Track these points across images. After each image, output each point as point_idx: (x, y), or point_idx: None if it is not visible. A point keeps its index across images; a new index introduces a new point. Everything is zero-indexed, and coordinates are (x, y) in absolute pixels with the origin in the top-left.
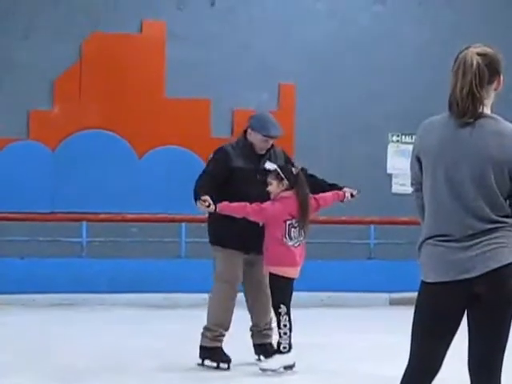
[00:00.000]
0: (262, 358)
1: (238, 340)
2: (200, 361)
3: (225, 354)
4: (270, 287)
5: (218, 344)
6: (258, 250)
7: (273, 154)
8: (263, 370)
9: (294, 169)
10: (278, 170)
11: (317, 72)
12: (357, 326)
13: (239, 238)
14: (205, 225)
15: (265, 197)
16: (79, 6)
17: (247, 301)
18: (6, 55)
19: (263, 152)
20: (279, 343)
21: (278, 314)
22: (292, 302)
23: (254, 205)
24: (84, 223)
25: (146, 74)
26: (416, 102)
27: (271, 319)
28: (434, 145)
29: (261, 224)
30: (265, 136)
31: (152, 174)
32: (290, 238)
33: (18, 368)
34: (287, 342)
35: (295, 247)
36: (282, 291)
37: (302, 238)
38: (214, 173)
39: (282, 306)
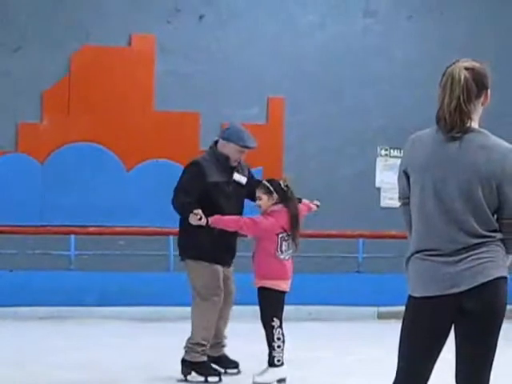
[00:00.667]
0: (227, 370)
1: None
2: (183, 376)
3: (213, 367)
4: (262, 301)
5: (205, 358)
6: (230, 264)
7: (240, 166)
8: (255, 383)
9: (281, 182)
10: (267, 184)
11: (306, 85)
12: (345, 339)
13: (220, 251)
14: None
15: (238, 210)
16: (69, 19)
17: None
18: None
19: (236, 164)
20: (273, 356)
21: (271, 328)
22: None
23: (246, 218)
24: (72, 236)
25: (135, 87)
26: (405, 115)
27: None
28: (421, 159)
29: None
30: (242, 147)
31: (141, 187)
32: (282, 252)
33: (6, 381)
34: (281, 355)
35: (286, 260)
36: (274, 305)
37: (291, 251)
38: (191, 188)
39: (274, 319)
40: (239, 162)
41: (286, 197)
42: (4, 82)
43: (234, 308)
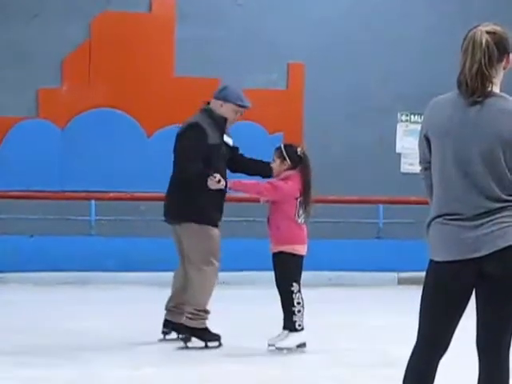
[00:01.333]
0: (174, 334)
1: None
2: (183, 343)
3: (213, 333)
4: (280, 267)
5: (207, 325)
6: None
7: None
8: (279, 348)
9: (299, 149)
10: (282, 148)
11: (326, 51)
12: (365, 305)
13: (219, 214)
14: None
15: (226, 172)
16: None
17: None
18: (16, 34)
19: (232, 124)
20: (294, 321)
21: (290, 293)
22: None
23: (266, 183)
24: (93, 202)
25: (155, 53)
26: (425, 81)
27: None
28: (442, 124)
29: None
30: (240, 106)
31: (161, 153)
32: (299, 216)
33: (27, 348)
34: (301, 319)
35: (303, 224)
36: (293, 270)
37: (305, 216)
38: (196, 152)
39: (294, 284)
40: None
41: (299, 164)
42: (25, 49)
43: (244, 274)
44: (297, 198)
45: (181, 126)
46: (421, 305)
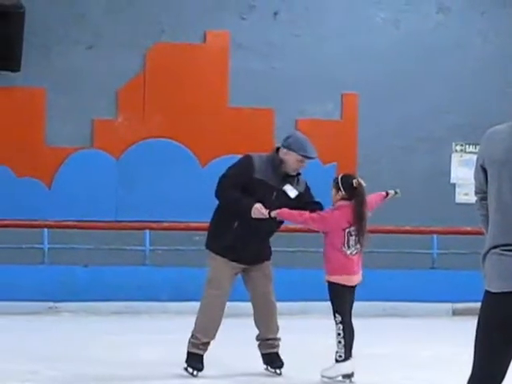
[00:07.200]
0: (269, 368)
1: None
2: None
3: (201, 362)
4: (330, 296)
5: (197, 351)
6: (255, 262)
7: (296, 181)
8: (322, 376)
9: (354, 181)
10: (338, 178)
11: (380, 82)
12: (419, 336)
13: (233, 248)
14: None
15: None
16: (143, 16)
17: (254, 312)
18: (72, 65)
19: (295, 173)
20: (336, 352)
21: (335, 323)
22: (354, 311)
23: (313, 213)
24: (147, 231)
25: (209, 84)
26: (480, 111)
27: (278, 329)
28: (498, 154)
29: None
30: (303, 156)
31: (215, 183)
32: (349, 247)
33: (79, 378)
34: (342, 350)
35: (353, 255)
36: (339, 300)
37: (358, 246)
38: (236, 180)
39: (337, 314)
40: (298, 178)
41: (353, 194)
42: (79, 79)
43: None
44: (344, 229)
45: None
46: (476, 336)
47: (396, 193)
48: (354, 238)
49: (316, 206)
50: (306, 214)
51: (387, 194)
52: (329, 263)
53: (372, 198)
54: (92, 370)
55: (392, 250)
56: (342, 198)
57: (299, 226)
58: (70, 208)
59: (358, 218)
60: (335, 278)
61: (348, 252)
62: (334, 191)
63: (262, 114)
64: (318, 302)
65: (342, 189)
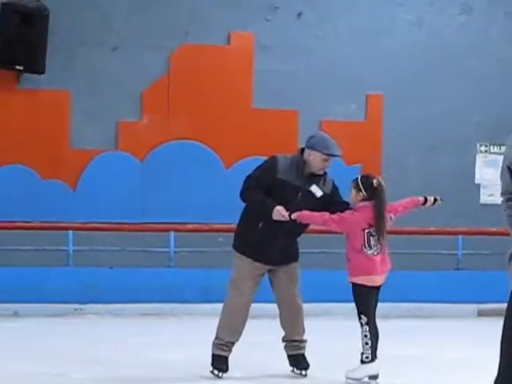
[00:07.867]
0: (295, 369)
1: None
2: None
3: (225, 363)
4: (354, 298)
5: (221, 352)
6: (281, 263)
7: (323, 181)
8: (347, 378)
9: (374, 181)
10: (358, 179)
11: (404, 82)
12: (444, 337)
13: (258, 248)
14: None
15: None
16: (167, 18)
17: (280, 313)
18: (96, 67)
19: (321, 172)
20: (362, 353)
21: (360, 324)
22: (378, 313)
23: (333, 215)
24: (172, 233)
25: (233, 85)
26: (505, 111)
27: (304, 331)
28: None
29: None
30: (327, 155)
31: (239, 185)
32: (370, 247)
33: (106, 380)
34: (369, 351)
35: (375, 255)
36: (363, 301)
37: (380, 246)
38: (261, 181)
39: (362, 316)
40: (325, 178)
41: (374, 195)
42: (104, 81)
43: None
44: (364, 230)
45: None
46: (502, 337)
47: (436, 200)
48: (374, 237)
49: (345, 206)
50: (327, 215)
51: (426, 200)
52: (350, 264)
53: (401, 202)
54: (118, 372)
55: (417, 250)
56: (363, 199)
57: (322, 228)
58: (95, 210)
59: (378, 218)
60: (357, 279)
61: (369, 252)
62: (353, 192)
63: (286, 115)
64: (343, 303)
65: (362, 189)
